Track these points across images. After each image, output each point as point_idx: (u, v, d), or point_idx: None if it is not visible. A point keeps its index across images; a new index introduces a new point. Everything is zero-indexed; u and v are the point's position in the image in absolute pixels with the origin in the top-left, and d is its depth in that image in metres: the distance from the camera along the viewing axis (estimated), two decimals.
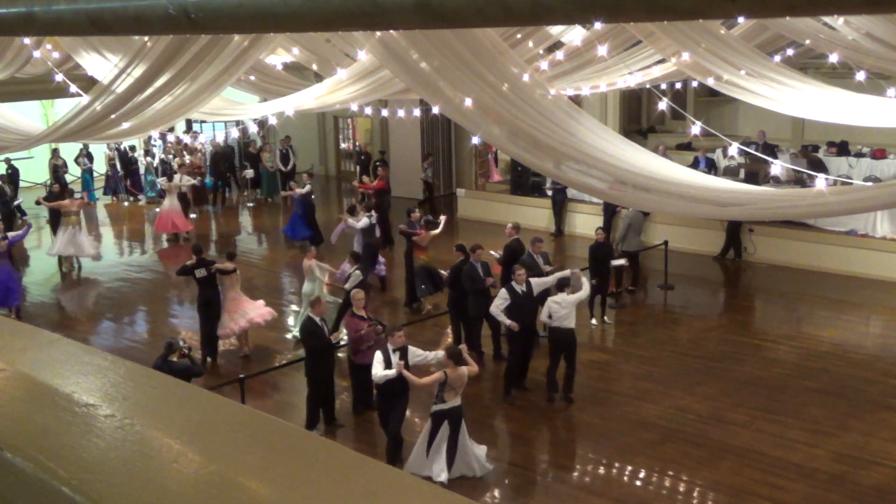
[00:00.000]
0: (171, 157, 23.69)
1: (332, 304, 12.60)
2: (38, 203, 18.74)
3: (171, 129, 20.67)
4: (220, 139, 22.43)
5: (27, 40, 10.83)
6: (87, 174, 24.55)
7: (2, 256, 14.47)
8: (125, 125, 10.21)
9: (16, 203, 21.42)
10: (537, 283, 11.17)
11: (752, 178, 16.37)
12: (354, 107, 12.24)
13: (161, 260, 19.01)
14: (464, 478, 9.05)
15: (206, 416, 1.54)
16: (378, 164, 22.45)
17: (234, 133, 15.51)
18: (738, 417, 10.38)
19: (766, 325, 14.08)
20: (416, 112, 14.50)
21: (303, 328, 10.55)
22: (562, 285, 11.13)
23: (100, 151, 24.73)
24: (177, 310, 15.61)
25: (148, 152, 25.15)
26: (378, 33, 7.92)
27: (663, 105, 12.80)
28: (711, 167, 17.74)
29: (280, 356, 12.78)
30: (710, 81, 11.72)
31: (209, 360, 12.40)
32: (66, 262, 17.57)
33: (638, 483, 9.18)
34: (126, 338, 14.28)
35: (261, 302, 13.07)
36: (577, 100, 13.09)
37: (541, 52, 11.68)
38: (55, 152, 23.76)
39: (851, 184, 12.21)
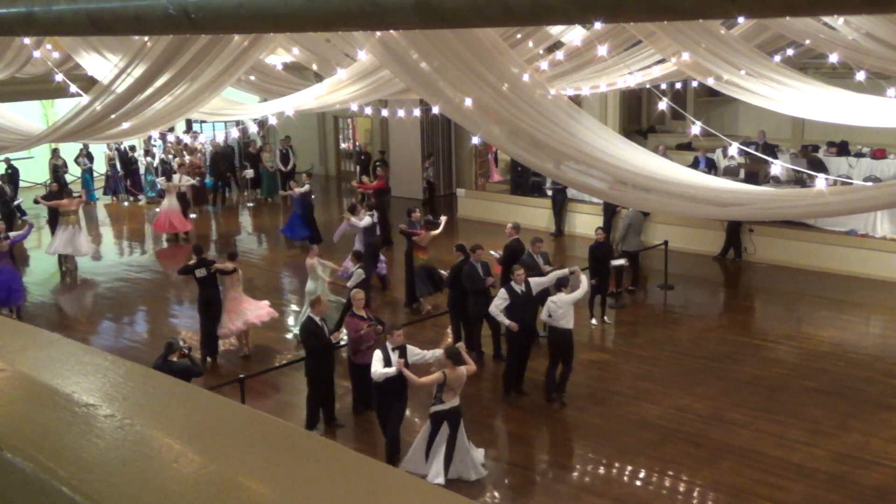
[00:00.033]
0: (171, 157, 23.69)
1: (336, 303, 12.59)
2: (36, 202, 18.77)
3: (171, 129, 20.67)
4: (220, 139, 22.44)
5: (27, 40, 10.83)
6: (87, 174, 24.55)
7: (4, 256, 14.48)
8: (125, 125, 10.21)
9: (16, 203, 21.43)
10: (536, 282, 11.17)
11: (752, 178, 16.37)
12: (354, 107, 12.24)
13: (160, 260, 19.02)
14: (461, 479, 9.04)
15: (206, 416, 1.54)
16: (378, 164, 22.46)
17: (234, 133, 15.52)
18: (738, 417, 10.38)
19: (766, 325, 14.08)
20: (416, 112, 14.50)
21: (303, 328, 10.55)
22: (560, 285, 11.13)
23: (100, 151, 24.73)
24: (177, 310, 15.61)
25: (148, 152, 25.16)
26: (378, 33, 7.92)
27: (663, 105, 12.80)
28: (711, 167, 17.74)
29: (280, 356, 12.78)
30: (710, 81, 11.72)
31: (209, 360, 12.40)
32: (67, 262, 17.57)
33: (638, 483, 9.18)
34: (126, 338, 14.28)
35: (264, 302, 13.04)
36: (577, 100, 13.10)
37: (541, 52, 11.68)
38: (55, 152, 23.76)
39: (851, 184, 12.21)
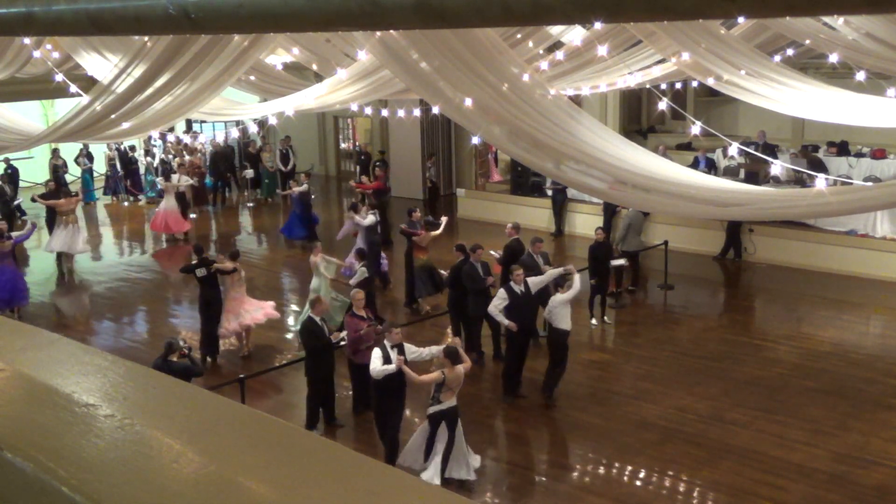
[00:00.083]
0: (171, 157, 23.69)
1: (341, 303, 12.59)
2: (33, 200, 18.80)
3: (171, 129, 20.68)
4: (220, 139, 22.45)
5: (27, 40, 10.83)
6: (87, 174, 24.55)
7: (6, 256, 14.48)
8: (125, 125, 10.20)
9: (16, 203, 21.43)
10: (534, 282, 11.17)
11: (752, 178, 16.37)
12: (354, 107, 12.24)
13: (156, 260, 19.03)
14: (452, 478, 9.02)
15: (206, 416, 1.54)
16: (377, 164, 22.46)
17: (234, 133, 15.52)
18: (738, 417, 10.38)
19: (766, 325, 14.08)
20: (416, 112, 14.50)
21: (303, 328, 10.55)
22: (558, 284, 11.15)
23: (100, 151, 24.73)
24: (177, 310, 15.61)
25: (148, 152, 25.16)
26: (378, 33, 7.92)
27: (663, 105, 12.80)
28: (711, 167, 17.74)
29: (280, 356, 12.78)
30: (710, 81, 11.72)
31: (209, 360, 12.40)
32: (66, 261, 17.55)
33: (638, 483, 9.18)
34: (126, 338, 14.28)
35: (268, 303, 13.03)
36: (577, 100, 13.09)
37: (541, 52, 11.68)
38: (55, 152, 23.76)
39: (851, 184, 12.21)
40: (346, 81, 11.12)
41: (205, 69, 9.36)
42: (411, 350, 9.28)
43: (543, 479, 9.50)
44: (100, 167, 25.23)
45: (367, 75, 10.70)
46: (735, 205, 8.89)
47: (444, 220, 15.01)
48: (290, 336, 13.52)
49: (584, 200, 18.49)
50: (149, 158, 25.11)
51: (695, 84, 14.38)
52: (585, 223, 18.45)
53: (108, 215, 23.69)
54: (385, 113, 14.91)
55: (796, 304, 14.80)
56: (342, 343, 10.77)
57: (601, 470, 9.49)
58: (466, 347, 12.01)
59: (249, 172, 24.58)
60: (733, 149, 14.10)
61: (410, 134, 22.99)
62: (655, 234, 16.78)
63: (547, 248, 13.79)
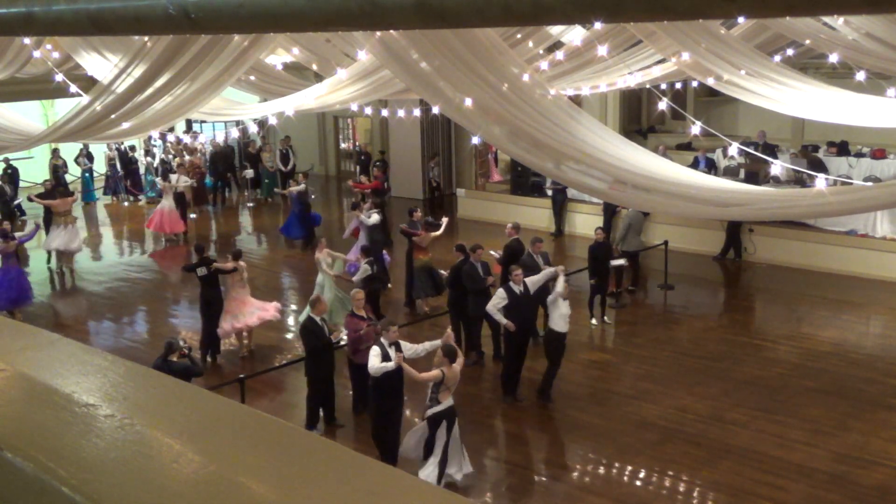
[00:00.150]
0: (171, 157, 23.70)
1: (344, 300, 12.58)
2: (29, 199, 18.83)
3: (171, 129, 20.67)
4: (220, 139, 22.45)
5: (27, 40, 10.83)
6: (87, 174, 24.55)
7: (10, 257, 14.48)
8: (125, 125, 10.20)
9: (16, 203, 21.42)
10: (531, 281, 11.16)
11: (752, 178, 16.37)
12: (354, 107, 12.23)
13: (154, 260, 19.02)
14: (462, 477, 9.02)
15: (206, 416, 1.54)
16: (376, 164, 22.45)
17: (234, 133, 15.51)
18: (738, 417, 10.38)
19: (766, 325, 14.08)
20: (416, 112, 14.50)
21: (303, 328, 10.54)
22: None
23: (100, 151, 24.73)
24: (177, 310, 15.61)
25: (148, 152, 25.16)
26: (378, 33, 7.92)
27: (663, 105, 12.80)
28: (711, 167, 17.75)
29: (280, 356, 12.78)
30: (710, 81, 11.72)
31: (209, 359, 12.40)
32: (64, 261, 17.55)
33: (638, 483, 9.18)
34: (126, 338, 14.27)
35: (272, 304, 13.01)
36: (577, 100, 13.09)
37: (541, 52, 11.67)
38: (55, 152, 23.76)
39: (851, 184, 12.21)
40: (346, 81, 11.12)
41: (205, 69, 9.36)
42: (407, 347, 9.28)
43: (543, 479, 9.50)
44: (100, 167, 25.23)
45: (367, 75, 10.70)
46: (735, 205, 8.89)
47: (444, 220, 15.01)
48: (290, 336, 13.52)
49: (584, 200, 18.49)
50: (149, 158, 25.11)
51: (695, 84, 14.38)
52: (585, 223, 18.45)
53: (108, 215, 23.70)
54: (385, 113, 14.91)
55: (796, 304, 14.80)
56: (342, 343, 10.77)
57: (601, 470, 9.49)
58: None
59: (249, 172, 24.59)
60: (733, 149, 14.10)
61: (410, 134, 22.99)
62: (655, 234, 16.78)
63: (547, 248, 13.78)
